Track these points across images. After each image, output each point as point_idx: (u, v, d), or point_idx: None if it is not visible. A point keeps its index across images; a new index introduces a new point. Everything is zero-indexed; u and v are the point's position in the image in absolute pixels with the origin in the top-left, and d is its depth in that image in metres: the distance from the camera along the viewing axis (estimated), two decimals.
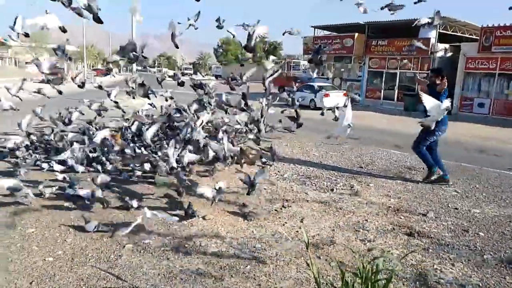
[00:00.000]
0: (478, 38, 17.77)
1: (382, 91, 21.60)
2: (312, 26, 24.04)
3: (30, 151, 6.01)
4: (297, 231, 3.89)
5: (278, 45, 52.37)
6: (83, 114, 7.18)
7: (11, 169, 5.39)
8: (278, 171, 6.16)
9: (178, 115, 6.34)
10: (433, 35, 18.59)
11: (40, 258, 3.18)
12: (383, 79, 21.50)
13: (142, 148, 5.84)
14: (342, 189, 5.40)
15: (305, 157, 7.30)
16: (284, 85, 26.01)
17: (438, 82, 5.54)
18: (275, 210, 4.46)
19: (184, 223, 3.94)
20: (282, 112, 7.01)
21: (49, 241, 3.47)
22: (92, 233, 3.62)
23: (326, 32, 25.03)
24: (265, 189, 5.21)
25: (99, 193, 4.16)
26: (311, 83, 19.93)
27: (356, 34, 21.64)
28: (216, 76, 47.33)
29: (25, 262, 3.12)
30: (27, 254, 3.22)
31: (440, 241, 3.77)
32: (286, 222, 4.11)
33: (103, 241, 3.52)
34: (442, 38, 19.04)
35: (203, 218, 4.09)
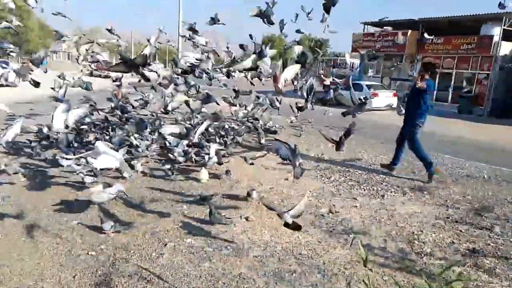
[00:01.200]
0: None
1: (435, 92, 20.45)
2: (362, 23, 23.28)
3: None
4: (346, 239, 3.64)
5: (324, 42, 51.35)
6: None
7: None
8: (325, 174, 5.89)
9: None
10: (496, 32, 17.29)
11: (83, 251, 3.17)
12: (437, 79, 20.35)
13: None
14: (393, 195, 5.05)
15: (353, 160, 6.95)
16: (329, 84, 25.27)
17: (426, 77, 5.51)
18: (322, 215, 4.22)
19: (227, 224, 3.80)
20: (343, 114, 6.58)
21: (92, 234, 3.46)
22: (132, 229, 3.58)
23: (376, 29, 24.10)
24: (310, 191, 4.98)
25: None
26: (359, 82, 19.31)
27: (409, 31, 20.64)
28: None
29: (69, 254, 3.12)
30: (71, 247, 3.22)
31: (509, 260, 3.37)
32: (333, 229, 3.87)
33: (145, 238, 3.46)
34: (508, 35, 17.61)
35: (246, 219, 3.94)
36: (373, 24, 23.67)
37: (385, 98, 17.69)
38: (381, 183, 5.55)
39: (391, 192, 5.18)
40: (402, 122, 6.09)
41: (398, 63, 21.46)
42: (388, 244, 3.59)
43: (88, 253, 3.14)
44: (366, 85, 17.97)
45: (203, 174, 5.10)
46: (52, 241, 3.31)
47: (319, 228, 3.87)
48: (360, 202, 4.69)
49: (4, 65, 16.98)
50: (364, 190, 5.21)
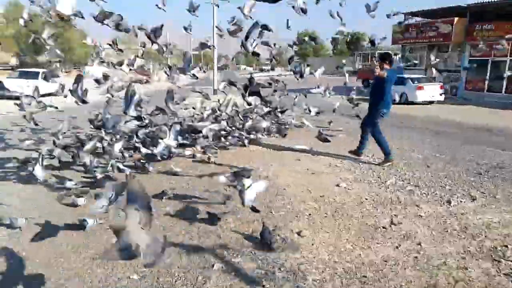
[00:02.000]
0: None
1: (487, 82, 19.08)
2: (402, 13, 22.12)
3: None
4: (416, 257, 3.15)
5: (361, 35, 49.83)
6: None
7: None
8: (379, 177, 5.37)
9: None
10: None
11: (124, 274, 2.90)
12: (488, 68, 18.97)
13: None
14: (461, 201, 4.47)
15: (406, 160, 6.36)
16: (368, 78, 24.62)
17: (386, 67, 5.65)
18: (383, 227, 3.74)
19: (277, 238, 3.43)
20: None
21: None
22: (178, 248, 3.28)
23: (418, 19, 22.87)
24: (366, 199, 4.50)
25: None
26: (401, 75, 18.34)
27: (456, 19, 19.36)
28: (295, 72, 46.36)
29: (109, 278, 2.86)
30: (111, 269, 2.96)
31: None
32: (399, 244, 3.38)
33: (189, 258, 3.15)
34: None
35: (298, 234, 3.54)
36: (416, 14, 22.45)
37: (431, 91, 16.67)
38: (444, 187, 4.96)
39: (458, 197, 4.59)
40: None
41: (445, 52, 20.23)
42: (468, 263, 3.06)
43: (129, 277, 2.87)
44: (410, 78, 17.01)
45: (247, 182, 4.74)
46: (90, 263, 3.07)
47: (383, 244, 3.40)
48: (424, 210, 4.16)
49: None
50: (426, 195, 4.66)
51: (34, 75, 16.38)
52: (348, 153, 6.45)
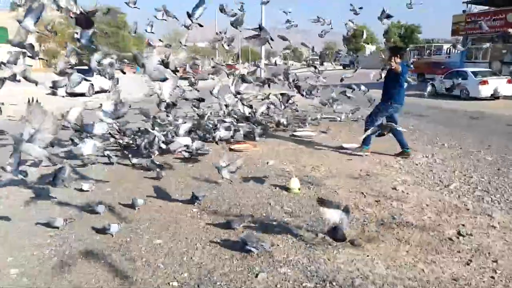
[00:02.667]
0: None
1: None
2: (464, 2, 20.60)
3: None
4: (493, 277, 2.71)
5: (415, 28, 47.35)
6: None
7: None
8: (440, 180, 4.86)
9: None
10: None
11: (164, 280, 2.74)
12: None
13: None
14: None
15: (470, 161, 5.75)
16: (423, 72, 23.20)
17: (398, 60, 5.60)
18: (449, 238, 3.30)
19: (328, 248, 3.12)
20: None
21: (175, 257, 3.03)
22: (221, 252, 3.07)
23: (483, 8, 21.16)
24: (427, 205, 4.05)
25: None
26: (462, 69, 17.06)
27: None
28: (344, 66, 44.93)
29: (148, 283, 2.71)
30: (151, 273, 2.82)
31: None
32: (470, 260, 2.95)
33: (232, 263, 2.93)
34: None
35: (351, 243, 3.20)
36: (479, 2, 20.78)
37: (497, 86, 15.31)
38: None
39: None
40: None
41: None
42: None
43: (169, 284, 2.70)
44: (472, 72, 15.74)
45: (294, 183, 4.46)
46: (129, 265, 2.94)
47: (450, 258, 2.98)
48: (498, 220, 3.64)
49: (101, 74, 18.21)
50: (499, 202, 4.11)
51: (88, 73, 17.08)
52: (395, 156, 5.99)
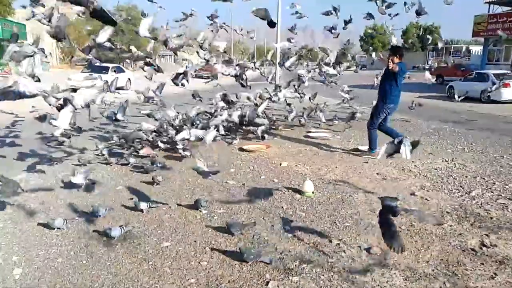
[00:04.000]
0: None
1: None
2: (486, 2, 20.06)
3: None
4: None
5: (435, 29, 46.46)
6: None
7: None
8: (461, 186, 4.65)
9: None
10: None
11: (170, 286, 2.63)
12: None
13: None
14: None
15: (493, 166, 5.49)
16: (441, 74, 22.68)
17: (396, 60, 5.57)
18: (471, 249, 3.12)
19: (343, 257, 2.96)
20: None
21: (183, 261, 2.92)
22: (230, 259, 2.95)
23: (506, 8, 20.56)
24: (448, 212, 3.85)
25: None
26: (483, 71, 16.61)
27: None
28: (360, 67, 44.01)
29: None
30: (157, 278, 2.71)
31: None
32: (495, 274, 2.76)
33: (241, 270, 2.81)
34: None
35: (368, 251, 3.04)
36: (502, 3, 20.20)
37: None
38: None
39: None
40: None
41: None
42: None
43: None
44: (494, 74, 15.28)
45: (308, 186, 4.31)
46: (135, 268, 2.84)
47: (473, 271, 2.80)
48: None
49: (117, 70, 18.44)
50: None
51: (105, 70, 17.20)
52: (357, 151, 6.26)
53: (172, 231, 3.41)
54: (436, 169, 5.37)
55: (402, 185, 4.64)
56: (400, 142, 3.56)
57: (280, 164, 5.52)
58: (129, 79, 19.34)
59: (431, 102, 13.99)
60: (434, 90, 17.92)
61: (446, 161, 5.77)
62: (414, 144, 3.63)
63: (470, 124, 9.15)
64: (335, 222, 3.59)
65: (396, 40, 9.51)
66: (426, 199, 4.21)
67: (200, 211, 3.79)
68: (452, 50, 37.87)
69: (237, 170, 5.24)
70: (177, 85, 6.35)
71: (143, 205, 3.76)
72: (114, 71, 18.45)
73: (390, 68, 5.54)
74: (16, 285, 2.65)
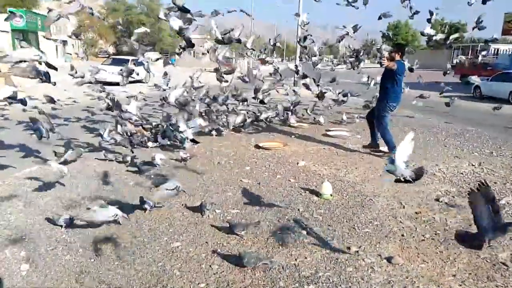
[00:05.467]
0: None
1: None
2: None
3: None
4: None
5: (462, 26, 45.06)
6: None
7: None
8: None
9: None
10: None
11: None
12: None
13: None
14: None
15: None
16: (467, 74, 22.02)
17: (397, 58, 5.57)
18: (502, 263, 2.88)
19: (362, 266, 2.78)
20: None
21: (193, 264, 2.79)
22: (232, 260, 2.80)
23: None
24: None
25: None
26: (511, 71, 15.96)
27: None
28: (381, 63, 43.14)
29: None
30: (166, 281, 2.59)
31: None
32: None
33: (254, 276, 2.66)
34: None
35: (388, 261, 2.85)
36: None
37: None
38: None
39: None
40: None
41: None
42: None
43: None
44: None
45: (326, 188, 4.12)
46: (143, 269, 2.73)
47: (506, 283, 2.58)
48: None
49: (136, 63, 18.52)
50: None
51: (125, 62, 17.28)
52: (363, 147, 6.23)
53: (184, 230, 3.29)
54: (462, 173, 5.10)
55: (426, 190, 4.40)
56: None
57: (297, 163, 5.34)
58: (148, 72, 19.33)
59: (457, 102, 13.47)
60: (459, 90, 17.31)
61: (472, 165, 5.48)
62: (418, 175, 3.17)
63: (498, 126, 8.74)
64: (354, 228, 3.40)
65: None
66: (451, 206, 3.97)
67: (203, 213, 3.58)
68: (478, 48, 36.67)
69: (253, 168, 5.10)
70: (220, 81, 6.61)
71: (148, 204, 3.60)
72: (134, 63, 18.52)
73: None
74: (23, 281, 2.58)
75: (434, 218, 3.65)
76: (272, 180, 4.65)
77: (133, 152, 5.25)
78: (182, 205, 3.84)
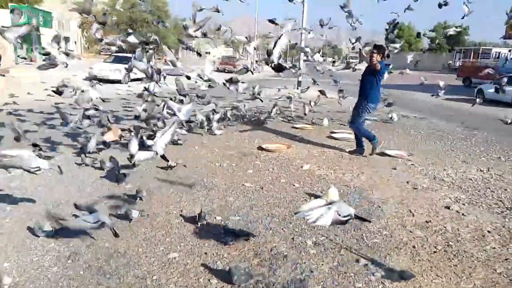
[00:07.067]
0: None
1: None
2: None
3: None
4: None
5: (463, 30, 44.87)
6: None
7: None
8: (501, 200, 4.19)
9: None
10: None
11: None
12: None
13: None
14: None
15: None
16: (470, 76, 21.71)
17: (378, 59, 5.51)
18: None
19: (372, 281, 2.60)
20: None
21: (191, 278, 2.59)
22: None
23: None
24: (489, 232, 3.43)
25: None
26: None
27: None
28: (353, 69, 42.78)
29: None
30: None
31: None
32: None
33: None
34: None
35: (401, 276, 2.67)
36: None
37: None
38: None
39: None
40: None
41: None
42: None
43: None
44: None
45: (332, 194, 3.90)
46: (137, 283, 2.55)
47: None
48: None
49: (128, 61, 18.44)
50: None
51: (127, 60, 17.07)
52: (348, 153, 5.98)
53: (182, 239, 3.10)
54: (471, 179, 4.92)
55: (435, 197, 4.22)
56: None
57: (302, 166, 5.16)
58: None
59: (459, 105, 13.31)
60: (462, 93, 17.15)
61: (481, 170, 5.30)
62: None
63: (503, 130, 8.56)
64: (362, 238, 3.22)
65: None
66: (462, 214, 3.78)
67: (201, 224, 3.30)
68: (480, 52, 36.48)
69: (256, 172, 4.92)
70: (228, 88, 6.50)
71: (134, 213, 3.29)
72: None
73: (373, 64, 5.48)
74: None
75: (445, 227, 3.47)
76: (276, 184, 4.47)
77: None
78: (181, 210, 3.66)
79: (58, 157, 5.14)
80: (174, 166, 4.82)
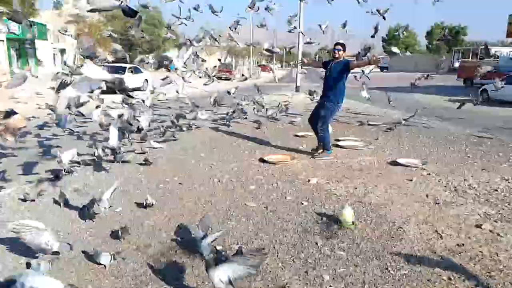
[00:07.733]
0: None
1: None
2: None
3: None
4: None
5: (461, 29, 44.72)
6: None
7: None
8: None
9: None
10: None
11: None
12: None
13: None
14: None
15: None
16: (471, 77, 21.35)
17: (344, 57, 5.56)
18: None
19: None
20: None
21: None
22: None
23: None
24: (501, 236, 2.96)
25: None
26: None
27: None
28: (381, 68, 42.88)
29: None
30: None
31: None
32: None
33: None
34: None
35: None
36: None
37: None
38: None
39: None
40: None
41: None
42: None
43: None
44: None
45: (348, 214, 3.45)
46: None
47: None
48: None
49: (134, 71, 18.04)
50: None
51: (121, 70, 16.63)
52: (311, 151, 5.96)
53: (177, 276, 2.63)
54: (496, 190, 4.46)
55: (462, 213, 3.75)
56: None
57: (309, 180, 4.69)
58: (146, 79, 18.78)
59: (467, 106, 12.90)
60: (464, 94, 16.76)
61: (506, 179, 4.84)
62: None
63: None
64: (387, 269, 2.74)
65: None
66: (497, 234, 3.31)
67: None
68: (479, 52, 36.26)
69: (258, 188, 4.45)
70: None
71: (104, 259, 2.66)
72: (131, 71, 17.95)
73: (355, 63, 5.67)
74: None
75: (482, 252, 2.99)
76: (282, 203, 3.99)
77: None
78: (177, 239, 3.18)
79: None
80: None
